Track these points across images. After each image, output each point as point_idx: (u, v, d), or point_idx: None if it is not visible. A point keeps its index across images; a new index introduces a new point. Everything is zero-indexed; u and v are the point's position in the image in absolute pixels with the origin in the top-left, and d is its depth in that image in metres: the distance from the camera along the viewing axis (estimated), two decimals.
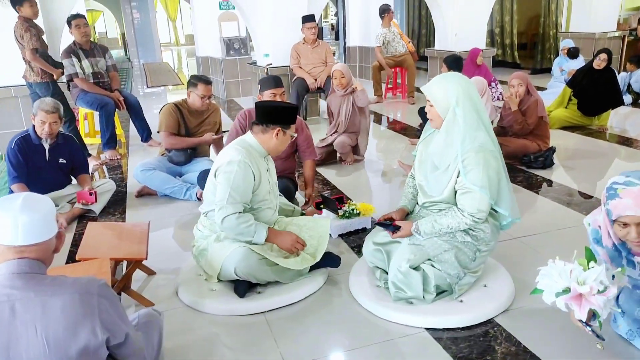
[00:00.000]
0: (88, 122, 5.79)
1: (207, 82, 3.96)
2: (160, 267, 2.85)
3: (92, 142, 5.70)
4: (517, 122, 4.28)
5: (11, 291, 1.37)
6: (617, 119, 5.86)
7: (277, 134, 2.55)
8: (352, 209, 3.20)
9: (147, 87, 11.32)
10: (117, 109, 5.34)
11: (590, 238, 2.01)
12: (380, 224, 2.50)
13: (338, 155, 4.73)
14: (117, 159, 5.21)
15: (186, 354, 2.15)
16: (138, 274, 2.72)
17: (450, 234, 2.32)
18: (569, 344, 2.08)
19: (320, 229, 2.69)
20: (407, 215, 2.56)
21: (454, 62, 5.49)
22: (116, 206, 3.87)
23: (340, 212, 3.18)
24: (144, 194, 4.05)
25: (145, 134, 5.71)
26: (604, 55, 5.23)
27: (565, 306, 1.76)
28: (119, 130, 5.73)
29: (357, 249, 3.00)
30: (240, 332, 2.28)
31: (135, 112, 5.60)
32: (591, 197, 3.68)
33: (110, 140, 5.24)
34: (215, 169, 2.52)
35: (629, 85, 6.54)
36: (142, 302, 2.46)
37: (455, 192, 2.29)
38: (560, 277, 1.76)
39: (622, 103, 5.49)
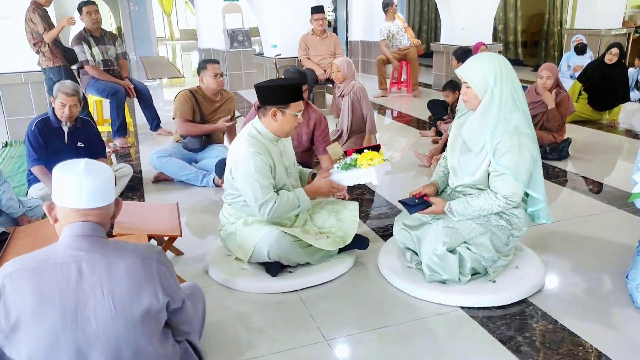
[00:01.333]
0: (97, 110, 5.75)
1: (215, 61, 4.05)
2: (186, 249, 2.84)
3: (101, 130, 5.64)
4: (554, 119, 4.27)
5: (78, 252, 1.37)
6: (625, 114, 5.92)
7: (274, 115, 2.45)
8: (354, 160, 2.58)
9: (147, 79, 11.25)
10: (127, 97, 5.31)
11: None
12: (405, 203, 2.45)
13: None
14: (128, 146, 5.18)
15: (224, 329, 2.15)
16: (167, 254, 2.71)
17: (484, 217, 2.33)
18: (602, 324, 2.11)
19: (349, 213, 2.69)
20: (437, 191, 2.56)
21: (464, 55, 5.50)
22: (134, 191, 3.85)
23: (340, 164, 2.61)
24: (161, 179, 4.04)
25: (155, 122, 5.68)
26: (615, 50, 5.27)
27: None
28: (127, 119, 5.69)
29: (382, 232, 3.01)
30: (276, 309, 2.28)
31: (145, 100, 5.57)
32: (609, 187, 3.72)
33: (120, 128, 5.21)
34: (231, 165, 2.48)
35: (637, 81, 6.60)
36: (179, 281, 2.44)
37: (489, 174, 2.30)
38: None
39: (628, 99, 5.54)
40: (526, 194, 2.38)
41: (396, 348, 2.01)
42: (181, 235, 2.48)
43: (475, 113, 2.33)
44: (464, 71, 2.33)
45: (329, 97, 6.86)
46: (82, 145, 3.61)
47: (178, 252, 2.78)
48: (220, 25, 8.55)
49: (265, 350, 2.01)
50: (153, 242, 2.66)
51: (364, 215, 3.32)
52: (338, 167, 2.58)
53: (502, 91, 2.24)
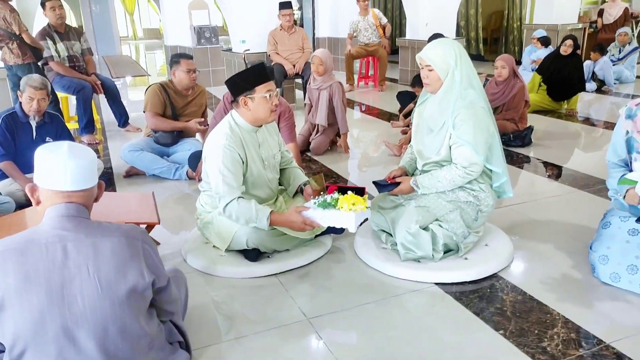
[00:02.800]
0: (63, 107, 5.61)
1: (188, 56, 3.98)
2: (163, 240, 2.84)
3: (68, 127, 5.53)
4: (513, 109, 4.49)
5: (62, 232, 1.38)
6: (582, 104, 6.19)
7: (245, 104, 2.40)
8: (335, 199, 2.33)
9: (111, 78, 11.02)
10: (94, 93, 5.21)
11: (623, 118, 2.31)
12: (377, 183, 2.57)
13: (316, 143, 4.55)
14: (96, 143, 5.09)
15: (206, 313, 2.17)
16: None
17: (453, 194, 2.44)
18: (567, 293, 2.24)
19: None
20: (406, 175, 2.65)
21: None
22: (106, 186, 3.77)
23: (319, 200, 2.36)
24: (132, 174, 4.00)
25: (123, 119, 5.60)
26: (569, 42, 5.52)
27: None
28: (95, 116, 5.59)
29: None
30: (257, 292, 2.32)
31: (112, 96, 5.48)
32: (570, 170, 3.90)
33: (88, 125, 5.12)
34: (205, 153, 2.48)
35: (594, 73, 6.90)
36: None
37: (451, 148, 2.41)
38: None
39: (584, 89, 5.80)
40: (490, 170, 2.49)
41: (375, 324, 2.08)
42: (159, 223, 2.49)
43: (437, 95, 2.43)
44: (426, 55, 2.42)
45: (298, 92, 6.91)
46: (51, 140, 3.54)
47: (155, 242, 2.77)
48: (186, 22, 8.46)
49: (247, 330, 2.04)
50: None
51: None
52: (315, 204, 2.34)
53: (462, 71, 2.37)
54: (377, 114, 6.30)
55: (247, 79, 2.40)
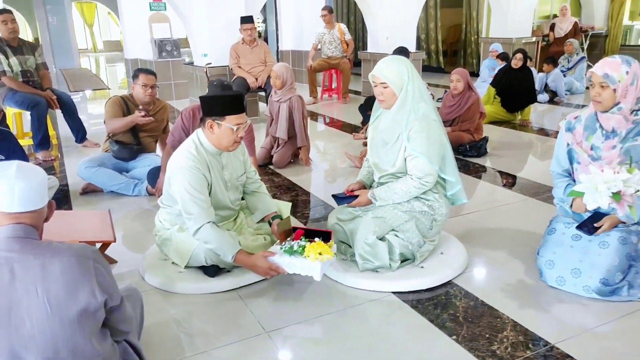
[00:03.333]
0: (16, 123, 5.46)
1: (149, 72, 3.92)
2: (120, 257, 2.80)
3: (21, 144, 5.38)
4: (469, 121, 4.65)
5: (9, 254, 1.35)
6: (537, 115, 6.45)
7: (210, 127, 2.38)
8: (302, 246, 2.30)
9: (69, 91, 10.78)
10: (50, 109, 5.10)
11: (563, 130, 2.47)
12: (336, 197, 2.64)
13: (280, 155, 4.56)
14: (51, 160, 4.97)
15: (164, 331, 2.16)
16: None
17: (408, 205, 2.51)
18: (517, 298, 2.34)
19: (282, 209, 2.78)
20: (364, 188, 2.71)
21: (402, 53, 5.82)
22: (61, 204, 3.71)
23: (285, 246, 2.35)
24: (89, 191, 3.92)
25: (80, 134, 5.48)
26: (519, 55, 5.76)
27: (607, 205, 2.20)
28: (50, 131, 5.46)
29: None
30: (216, 308, 2.31)
31: (69, 111, 5.37)
32: (523, 179, 4.05)
33: (43, 141, 4.99)
34: (169, 174, 2.45)
35: (546, 84, 7.19)
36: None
37: (406, 160, 2.49)
38: (607, 183, 2.18)
39: (535, 100, 6.06)
40: (444, 180, 2.58)
41: (334, 335, 2.11)
42: (114, 241, 2.46)
43: (392, 110, 2.50)
44: (381, 73, 2.49)
45: (262, 105, 6.93)
46: (3, 158, 3.44)
47: (111, 261, 2.73)
48: (147, 35, 8.40)
49: (206, 346, 2.04)
50: None
51: (300, 215, 3.42)
52: (282, 249, 2.33)
53: (414, 86, 2.47)
54: (340, 126, 6.38)
55: (219, 105, 2.38)
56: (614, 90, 2.22)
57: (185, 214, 2.36)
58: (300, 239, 2.35)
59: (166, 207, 2.60)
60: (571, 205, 2.41)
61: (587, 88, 7.72)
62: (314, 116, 7.01)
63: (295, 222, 3.20)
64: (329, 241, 2.37)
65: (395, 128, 2.50)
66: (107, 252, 2.71)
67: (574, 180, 2.45)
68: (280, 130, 4.47)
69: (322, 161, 4.87)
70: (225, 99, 2.40)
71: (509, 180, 4.07)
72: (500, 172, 4.28)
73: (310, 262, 2.23)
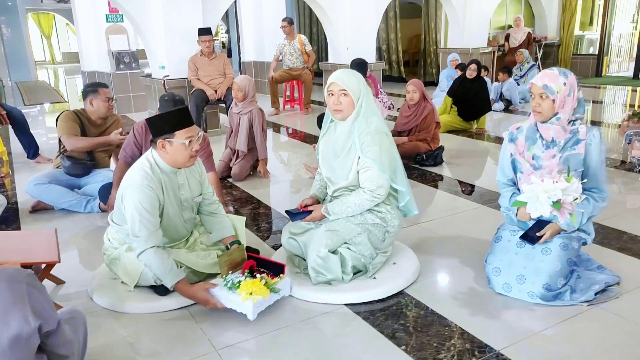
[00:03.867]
0: None
1: (105, 85, 3.89)
2: (69, 278, 2.73)
3: None
4: (425, 131, 4.72)
5: None
6: (492, 123, 6.63)
7: (162, 147, 2.35)
8: (239, 282, 2.26)
9: (24, 105, 10.46)
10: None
11: (506, 140, 2.56)
12: (290, 212, 2.64)
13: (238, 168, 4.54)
14: (1, 177, 4.79)
15: (111, 352, 2.10)
16: (45, 284, 2.58)
17: (361, 217, 2.53)
18: (466, 305, 2.39)
19: (237, 227, 2.75)
20: (318, 202, 2.73)
21: (360, 65, 5.91)
22: (9, 223, 3.59)
23: (227, 280, 2.30)
24: (39, 209, 3.80)
25: (32, 150, 5.34)
26: (473, 66, 5.94)
27: (549, 213, 2.31)
28: (0, 148, 5.29)
29: (275, 243, 3.10)
30: (166, 327, 2.27)
31: (20, 126, 5.22)
32: (477, 187, 4.14)
33: None
34: (122, 191, 2.39)
35: (501, 93, 7.41)
36: (55, 308, 2.33)
37: (358, 173, 2.51)
38: (548, 192, 2.27)
39: (489, 109, 6.23)
40: (396, 191, 2.62)
41: (286, 349, 2.10)
42: (59, 262, 2.39)
43: (347, 121, 2.53)
44: (341, 80, 2.49)
45: (222, 117, 6.88)
46: None
47: (59, 281, 2.65)
48: (104, 47, 8.25)
49: None
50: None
51: (256, 229, 3.41)
52: (223, 281, 2.29)
53: (368, 98, 2.51)
54: (302, 137, 6.40)
55: (167, 122, 2.34)
56: (553, 100, 2.31)
57: (132, 235, 2.31)
58: (245, 273, 2.32)
59: (115, 225, 2.54)
60: (516, 214, 2.49)
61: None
62: (277, 127, 7.01)
63: (254, 240, 3.19)
64: (280, 274, 2.33)
65: (347, 140, 2.52)
66: (56, 272, 2.64)
67: (519, 189, 2.53)
68: (240, 143, 4.45)
69: (283, 173, 4.87)
70: (171, 115, 2.37)
71: (464, 188, 4.17)
72: (454, 180, 4.37)
73: (241, 300, 2.19)
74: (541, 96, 2.32)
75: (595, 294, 2.34)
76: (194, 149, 2.38)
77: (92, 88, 3.81)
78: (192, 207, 2.61)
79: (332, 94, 2.51)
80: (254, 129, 4.43)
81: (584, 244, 2.48)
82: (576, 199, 2.28)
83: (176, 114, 2.36)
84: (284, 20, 7.83)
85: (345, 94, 2.49)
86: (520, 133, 2.49)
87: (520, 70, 8.00)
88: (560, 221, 2.33)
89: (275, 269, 2.39)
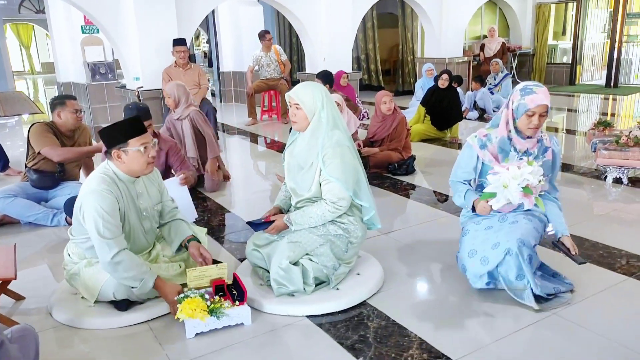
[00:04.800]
0: None
1: (73, 97, 3.86)
2: (30, 293, 2.69)
3: None
4: (396, 140, 4.76)
5: None
6: (467, 131, 6.71)
7: (118, 157, 2.36)
8: (184, 296, 2.26)
9: (1, 116, 10.30)
10: None
11: (476, 148, 2.54)
12: (251, 223, 2.64)
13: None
14: None
15: None
16: (4, 300, 2.54)
17: (324, 229, 2.54)
18: (425, 315, 2.41)
19: (198, 235, 2.74)
20: (281, 213, 2.73)
21: (326, 77, 5.97)
22: None
23: (191, 292, 2.27)
24: (5, 222, 3.75)
25: (2, 162, 5.26)
26: (445, 76, 6.02)
27: (519, 200, 2.32)
28: None
29: (241, 255, 3.09)
30: (124, 342, 2.25)
31: None
32: (446, 196, 4.18)
33: None
34: (80, 200, 2.37)
35: (475, 102, 7.51)
36: (9, 324, 2.30)
37: (321, 185, 2.52)
38: (516, 179, 2.28)
39: (461, 118, 6.32)
40: (360, 205, 2.63)
41: None
42: (15, 278, 2.35)
43: (305, 134, 2.55)
44: (296, 94, 2.53)
45: None
46: None
47: (18, 297, 2.61)
48: (80, 58, 8.19)
49: None
50: None
51: (223, 240, 3.40)
52: (189, 293, 2.26)
53: (328, 113, 2.51)
54: (280, 146, 6.40)
55: (120, 132, 2.35)
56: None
57: (99, 238, 2.26)
58: (207, 291, 2.30)
59: (75, 239, 2.51)
60: (473, 209, 2.54)
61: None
62: (254, 137, 7.02)
63: (221, 252, 3.18)
64: (241, 300, 2.31)
65: (309, 153, 2.54)
66: (17, 288, 2.60)
67: (475, 188, 2.61)
68: (188, 149, 4.37)
69: (260, 182, 4.87)
70: (122, 124, 2.39)
71: (435, 197, 4.20)
72: (427, 189, 4.41)
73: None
74: (542, 115, 2.36)
75: (548, 297, 2.39)
76: (150, 155, 2.40)
77: (60, 100, 3.77)
78: (153, 216, 2.61)
79: (290, 106, 2.55)
80: (201, 131, 4.37)
81: (545, 226, 2.55)
82: (540, 181, 2.31)
83: (128, 123, 2.38)
84: (268, 33, 7.81)
85: (297, 108, 2.51)
86: (489, 141, 2.50)
87: (495, 80, 8.13)
88: (527, 206, 2.37)
89: (240, 296, 2.36)
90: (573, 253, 2.45)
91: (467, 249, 2.52)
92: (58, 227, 3.67)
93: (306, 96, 2.52)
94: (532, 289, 2.36)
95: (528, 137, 2.45)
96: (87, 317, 2.38)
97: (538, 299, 2.38)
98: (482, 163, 2.56)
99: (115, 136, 2.35)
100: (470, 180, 2.63)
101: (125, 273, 2.29)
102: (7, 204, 3.64)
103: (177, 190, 3.43)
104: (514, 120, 2.43)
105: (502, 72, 8.13)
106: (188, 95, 4.43)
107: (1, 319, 2.33)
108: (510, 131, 2.45)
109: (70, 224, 3.64)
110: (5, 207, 3.64)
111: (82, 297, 2.49)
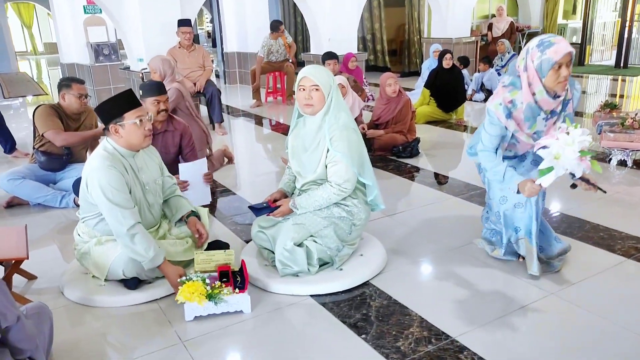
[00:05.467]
0: None
1: (80, 81, 3.88)
2: (42, 273, 2.76)
3: None
4: (401, 122, 4.76)
5: None
6: (474, 113, 6.70)
7: (115, 132, 2.42)
8: (186, 279, 2.29)
9: (4, 98, 10.33)
10: None
11: (502, 117, 2.35)
12: (254, 209, 2.66)
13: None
14: None
15: (79, 345, 2.15)
16: (18, 280, 2.62)
17: (327, 211, 2.58)
18: (426, 294, 2.47)
19: (201, 214, 2.81)
20: (285, 197, 2.77)
21: (331, 58, 5.95)
22: None
23: (195, 275, 2.31)
24: (14, 204, 3.81)
25: (9, 144, 5.32)
26: (448, 55, 5.98)
27: (580, 167, 2.16)
28: None
29: (247, 237, 3.15)
30: (135, 320, 2.32)
31: None
32: (450, 178, 4.21)
33: None
34: (85, 179, 2.43)
35: (482, 84, 7.46)
36: (24, 302, 2.37)
37: (326, 167, 2.56)
38: (570, 145, 2.13)
39: (465, 99, 6.28)
40: (364, 185, 2.67)
41: (252, 340, 2.17)
42: (27, 258, 2.42)
43: (316, 116, 2.57)
44: (314, 76, 2.53)
45: (203, 109, 6.88)
46: None
47: (31, 277, 2.69)
48: (83, 39, 8.17)
49: (120, 359, 2.05)
50: (0, 268, 2.56)
51: (230, 222, 3.45)
52: (194, 276, 2.29)
53: (337, 94, 2.56)
54: (285, 128, 6.41)
55: (115, 106, 2.41)
56: None
57: (112, 207, 2.32)
58: (213, 277, 2.33)
59: (85, 219, 2.57)
60: (518, 191, 2.38)
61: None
62: (259, 119, 7.03)
63: (226, 233, 3.24)
64: (241, 289, 2.31)
65: (317, 134, 2.57)
66: (28, 267, 2.67)
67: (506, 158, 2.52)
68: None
69: (266, 164, 4.91)
70: (117, 99, 2.44)
71: (439, 180, 4.23)
72: (431, 172, 4.43)
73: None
74: (567, 65, 2.24)
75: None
76: (146, 127, 2.46)
77: (67, 82, 3.81)
78: (155, 190, 2.66)
79: (304, 89, 2.55)
80: (187, 105, 4.38)
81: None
82: (591, 141, 2.17)
83: (122, 97, 2.43)
84: (281, 24, 7.71)
85: (317, 89, 2.53)
86: (514, 108, 2.36)
87: (502, 60, 8.06)
88: (585, 170, 2.20)
89: (240, 284, 2.37)
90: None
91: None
92: (67, 209, 3.73)
93: (322, 78, 2.55)
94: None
95: (556, 97, 2.29)
96: (97, 295, 2.45)
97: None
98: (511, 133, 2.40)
99: (111, 111, 2.41)
100: (499, 147, 2.48)
101: (141, 245, 2.35)
102: (16, 186, 3.70)
103: (192, 174, 3.48)
104: (540, 80, 2.26)
105: (508, 52, 8.05)
106: (173, 69, 4.44)
107: (16, 297, 2.40)
108: (534, 94, 2.29)
109: (78, 204, 3.72)
110: (14, 189, 3.71)
111: (93, 276, 2.56)
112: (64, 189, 3.82)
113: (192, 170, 3.49)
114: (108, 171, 2.35)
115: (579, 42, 11.17)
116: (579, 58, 11.10)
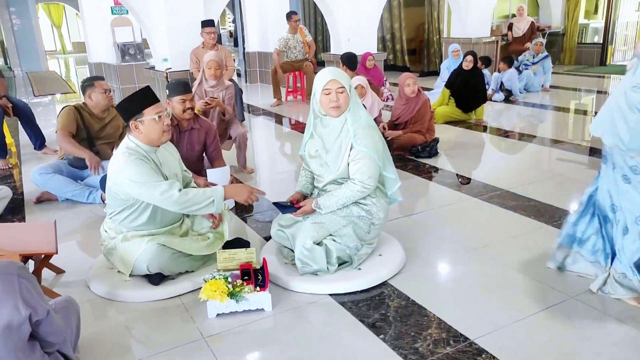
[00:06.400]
0: None
1: (101, 78, 4.05)
2: (69, 267, 2.85)
3: None
4: (420, 122, 4.77)
5: None
6: (493, 113, 6.64)
7: (135, 128, 2.49)
8: (211, 278, 2.34)
9: (34, 96, 10.62)
10: (5, 116, 5.07)
11: None
12: (279, 205, 2.71)
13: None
14: (9, 168, 4.94)
15: (104, 339, 2.22)
16: (46, 273, 2.71)
17: (347, 210, 2.61)
18: (446, 296, 2.48)
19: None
20: (305, 198, 2.81)
21: (348, 59, 5.96)
22: (14, 214, 3.72)
23: (218, 273, 2.37)
24: (44, 199, 3.94)
25: (39, 141, 5.48)
26: (470, 57, 5.95)
27: None
28: (8, 139, 5.42)
29: (267, 235, 3.20)
30: (159, 315, 2.38)
31: (26, 118, 5.35)
32: (469, 179, 4.20)
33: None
34: (112, 176, 2.50)
35: (502, 84, 7.39)
36: (52, 296, 2.46)
37: (349, 165, 2.59)
38: None
39: (486, 99, 6.24)
40: (382, 184, 2.71)
41: (272, 337, 2.21)
42: (57, 253, 2.51)
43: (341, 117, 2.60)
44: (339, 77, 2.58)
45: None
46: None
47: (59, 270, 2.78)
48: (110, 39, 8.36)
49: (144, 353, 2.11)
50: (30, 262, 2.65)
51: (250, 221, 3.51)
52: (216, 273, 2.37)
53: (355, 93, 2.63)
54: (302, 129, 6.45)
55: (134, 103, 2.50)
56: None
57: (157, 186, 2.41)
58: (233, 275, 2.38)
59: (111, 215, 2.65)
60: None
61: (553, 87, 7.95)
62: (279, 118, 7.09)
63: (247, 231, 3.29)
64: (262, 287, 2.36)
65: (340, 134, 2.60)
66: (56, 262, 2.76)
67: None
68: (228, 112, 4.54)
69: (285, 163, 4.95)
70: (135, 96, 2.51)
71: (458, 180, 4.22)
72: (450, 172, 4.43)
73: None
74: None
75: None
76: (165, 123, 2.53)
77: (89, 82, 3.93)
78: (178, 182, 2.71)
79: (330, 92, 2.57)
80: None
81: None
82: None
83: (141, 93, 2.52)
84: (295, 14, 7.80)
85: (342, 91, 2.57)
86: None
87: (534, 58, 7.93)
88: None
89: (262, 282, 2.40)
90: None
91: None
92: (94, 205, 3.83)
93: (346, 79, 2.62)
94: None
95: None
96: (122, 290, 2.52)
97: None
98: None
99: (131, 108, 2.49)
100: None
101: (196, 195, 2.46)
102: (47, 180, 3.82)
103: (219, 178, 3.56)
104: None
105: (543, 52, 7.94)
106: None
107: (45, 290, 2.49)
108: None
109: (104, 201, 3.82)
110: (45, 183, 3.83)
111: (118, 272, 2.64)
112: (92, 186, 3.92)
113: (218, 175, 3.57)
114: (135, 163, 2.43)
115: (601, 42, 10.96)
116: (601, 58, 10.91)
